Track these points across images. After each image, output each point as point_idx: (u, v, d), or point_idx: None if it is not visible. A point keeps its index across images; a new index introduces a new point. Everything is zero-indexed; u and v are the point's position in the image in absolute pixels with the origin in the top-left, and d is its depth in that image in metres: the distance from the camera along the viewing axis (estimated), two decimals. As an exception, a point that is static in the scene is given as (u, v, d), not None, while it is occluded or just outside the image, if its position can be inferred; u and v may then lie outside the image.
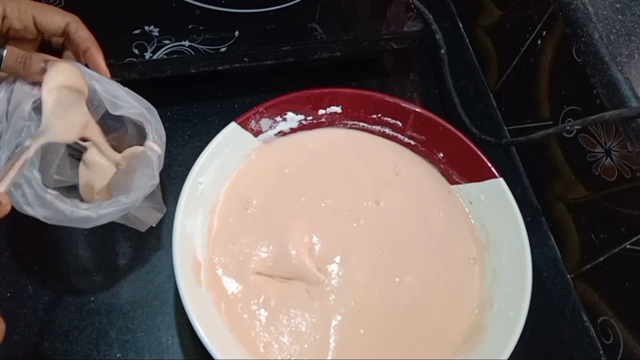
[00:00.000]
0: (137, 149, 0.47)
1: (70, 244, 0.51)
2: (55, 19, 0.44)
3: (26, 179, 0.41)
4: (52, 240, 0.51)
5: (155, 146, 0.46)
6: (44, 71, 0.42)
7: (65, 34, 0.45)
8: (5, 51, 0.42)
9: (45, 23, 0.44)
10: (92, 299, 0.49)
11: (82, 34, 0.45)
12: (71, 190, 0.50)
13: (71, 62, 0.45)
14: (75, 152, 0.52)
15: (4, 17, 0.42)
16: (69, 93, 0.43)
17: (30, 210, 0.42)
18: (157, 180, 0.45)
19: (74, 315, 0.48)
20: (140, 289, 0.50)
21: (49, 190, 0.42)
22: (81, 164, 0.51)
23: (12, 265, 0.50)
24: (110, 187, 0.50)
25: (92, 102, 0.46)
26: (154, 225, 0.51)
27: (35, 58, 0.43)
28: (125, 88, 0.47)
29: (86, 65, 0.46)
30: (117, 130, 0.50)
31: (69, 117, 0.44)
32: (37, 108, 0.45)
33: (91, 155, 0.51)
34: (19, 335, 0.47)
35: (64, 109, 0.43)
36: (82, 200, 0.50)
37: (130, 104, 0.46)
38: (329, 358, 0.46)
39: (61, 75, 0.43)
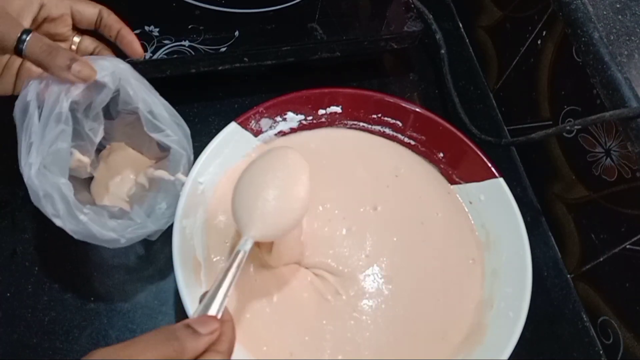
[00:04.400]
0: (164, 174, 0.48)
1: (70, 244, 0.51)
2: (90, 6, 0.47)
3: (61, 195, 0.41)
4: (52, 240, 0.51)
5: (183, 178, 0.48)
6: (69, 68, 0.42)
7: (97, 22, 0.47)
8: (30, 36, 0.41)
9: (82, 10, 0.46)
10: (92, 299, 0.49)
11: (113, 17, 0.47)
12: (84, 183, 0.51)
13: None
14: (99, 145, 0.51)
15: (42, 5, 0.44)
16: None
17: (59, 222, 0.42)
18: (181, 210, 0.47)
19: (74, 316, 0.48)
20: (140, 289, 0.50)
21: (84, 210, 0.43)
22: (102, 163, 0.51)
23: (12, 265, 0.50)
24: (130, 200, 0.50)
25: (124, 103, 0.46)
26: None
27: (63, 52, 0.42)
28: (170, 108, 0.47)
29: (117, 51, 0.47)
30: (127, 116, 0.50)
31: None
32: (76, 108, 0.44)
33: (115, 158, 0.51)
34: (19, 335, 0.47)
35: None
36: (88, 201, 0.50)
37: (171, 130, 0.46)
38: (329, 358, 0.46)
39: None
